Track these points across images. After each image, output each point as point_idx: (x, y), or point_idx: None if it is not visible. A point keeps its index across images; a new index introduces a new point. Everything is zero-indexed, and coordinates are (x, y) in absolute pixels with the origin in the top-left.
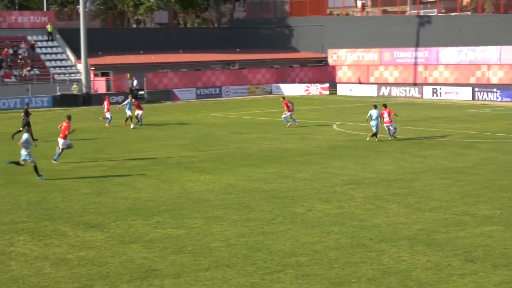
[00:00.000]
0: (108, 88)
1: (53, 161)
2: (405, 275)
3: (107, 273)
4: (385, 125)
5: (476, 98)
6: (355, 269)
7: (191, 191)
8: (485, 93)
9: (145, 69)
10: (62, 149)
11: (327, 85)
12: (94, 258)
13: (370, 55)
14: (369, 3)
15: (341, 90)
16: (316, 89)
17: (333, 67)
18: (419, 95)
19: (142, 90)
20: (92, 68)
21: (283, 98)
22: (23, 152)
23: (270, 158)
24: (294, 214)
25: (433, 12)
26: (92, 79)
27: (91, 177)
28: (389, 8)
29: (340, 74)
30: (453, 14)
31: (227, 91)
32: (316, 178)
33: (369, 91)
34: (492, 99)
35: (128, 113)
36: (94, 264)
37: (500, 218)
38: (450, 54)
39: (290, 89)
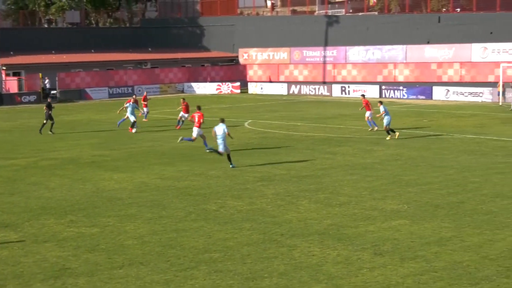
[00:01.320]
0: (20, 88)
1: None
2: (316, 269)
3: (20, 272)
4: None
5: (383, 96)
6: (267, 264)
7: (104, 190)
8: (391, 91)
9: (57, 69)
10: (195, 138)
11: (238, 84)
12: (7, 257)
13: (280, 54)
14: (279, 3)
15: (252, 88)
16: (227, 88)
17: (244, 66)
18: (328, 93)
19: (55, 89)
20: (4, 68)
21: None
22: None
23: (183, 156)
24: (206, 211)
25: (341, 12)
26: (3, 79)
27: (3, 177)
28: (298, 8)
29: (251, 73)
30: (360, 14)
31: (139, 90)
32: (228, 175)
33: (280, 89)
34: (398, 96)
35: (132, 118)
36: (7, 263)
37: (407, 212)
38: (358, 53)
39: (202, 88)
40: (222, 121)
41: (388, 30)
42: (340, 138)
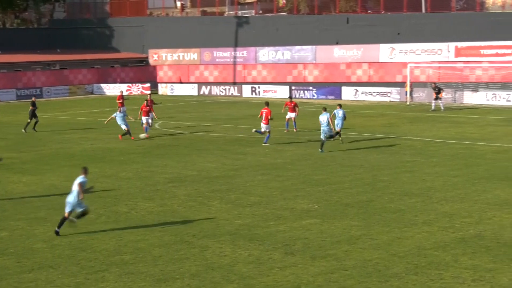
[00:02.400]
0: None
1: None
2: (228, 269)
3: None
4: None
5: (293, 96)
6: (179, 265)
7: (13, 193)
8: (301, 91)
9: None
10: (264, 132)
11: (148, 85)
12: None
13: (190, 55)
14: (189, 4)
15: (162, 89)
16: (137, 89)
17: (154, 67)
18: (239, 94)
19: None
20: None
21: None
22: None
23: (93, 158)
24: (117, 213)
25: (251, 13)
26: None
27: None
28: (208, 9)
29: (161, 74)
30: (270, 15)
31: (48, 92)
32: (139, 177)
33: (190, 90)
34: (308, 96)
35: (123, 127)
36: None
37: (317, 211)
38: (268, 54)
39: (112, 89)
40: (325, 109)
41: (298, 31)
42: (251, 138)
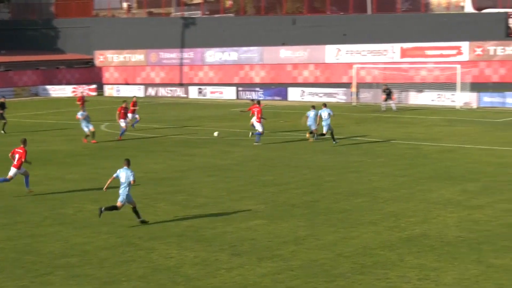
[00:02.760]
0: None
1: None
2: (174, 271)
3: None
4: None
5: (240, 97)
6: (125, 267)
7: None
8: (248, 92)
9: None
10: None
11: (94, 86)
12: None
13: (136, 56)
14: (135, 5)
15: (108, 91)
16: (83, 90)
17: (100, 69)
18: (185, 95)
19: None
20: None
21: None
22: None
23: (39, 160)
24: (63, 216)
25: (198, 14)
26: None
27: None
28: (154, 10)
29: (107, 75)
30: (216, 16)
31: None
32: (85, 179)
33: (136, 91)
34: (255, 97)
35: (85, 129)
36: None
37: (264, 212)
38: (215, 55)
39: (58, 91)
40: (325, 105)
41: (244, 32)
42: (198, 140)
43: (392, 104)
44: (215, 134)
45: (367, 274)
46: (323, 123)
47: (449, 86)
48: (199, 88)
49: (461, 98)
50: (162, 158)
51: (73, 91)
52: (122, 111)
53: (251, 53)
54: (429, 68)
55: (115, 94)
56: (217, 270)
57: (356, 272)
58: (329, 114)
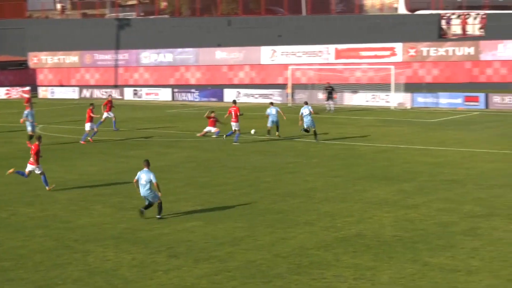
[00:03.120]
0: None
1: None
2: (111, 273)
3: None
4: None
5: (176, 99)
6: (61, 271)
7: None
8: (184, 94)
9: None
10: (234, 131)
11: (28, 88)
12: None
13: (71, 57)
14: (69, 6)
15: (43, 93)
16: (17, 93)
17: (34, 70)
18: (121, 97)
19: None
20: None
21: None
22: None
23: None
24: None
25: (132, 15)
26: None
27: None
28: (89, 11)
29: (41, 77)
30: (151, 17)
31: None
32: (19, 182)
33: (71, 93)
34: (191, 99)
35: (29, 129)
36: None
37: (201, 213)
38: (150, 56)
39: None
40: (306, 103)
41: (180, 33)
42: (134, 141)
43: (331, 104)
44: (252, 131)
45: (303, 275)
46: (305, 120)
47: (383, 86)
48: (135, 90)
49: (395, 99)
50: (97, 160)
51: (7, 93)
52: (90, 114)
53: (187, 54)
54: (363, 69)
55: (49, 96)
56: (154, 272)
57: (292, 272)
58: (309, 111)
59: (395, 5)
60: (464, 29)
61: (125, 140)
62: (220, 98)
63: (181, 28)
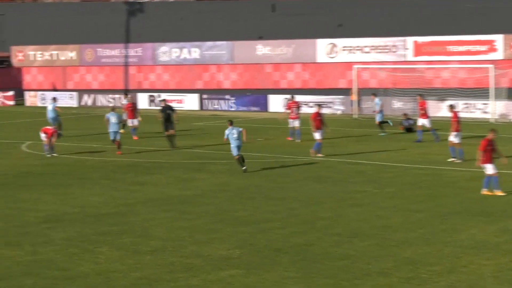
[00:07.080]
0: None
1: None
2: None
3: None
4: None
5: (205, 107)
6: None
7: None
8: (215, 101)
9: None
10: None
11: (11, 93)
12: None
13: (66, 53)
14: None
15: (31, 99)
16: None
17: (19, 70)
18: None
19: None
20: None
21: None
22: None
23: None
24: None
25: None
26: None
27: None
28: None
29: (28, 79)
30: (171, 0)
31: None
32: (0, 216)
33: (68, 100)
34: (224, 108)
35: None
36: None
37: (240, 259)
38: (170, 52)
39: None
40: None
41: (209, 21)
42: (149, 163)
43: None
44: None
45: None
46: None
47: (479, 92)
48: (151, 96)
49: (495, 108)
50: (102, 187)
51: None
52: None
53: (218, 49)
54: (452, 69)
55: (39, 103)
56: None
57: None
58: None
59: None
60: None
61: (138, 161)
62: (264, 107)
63: (211, 14)
